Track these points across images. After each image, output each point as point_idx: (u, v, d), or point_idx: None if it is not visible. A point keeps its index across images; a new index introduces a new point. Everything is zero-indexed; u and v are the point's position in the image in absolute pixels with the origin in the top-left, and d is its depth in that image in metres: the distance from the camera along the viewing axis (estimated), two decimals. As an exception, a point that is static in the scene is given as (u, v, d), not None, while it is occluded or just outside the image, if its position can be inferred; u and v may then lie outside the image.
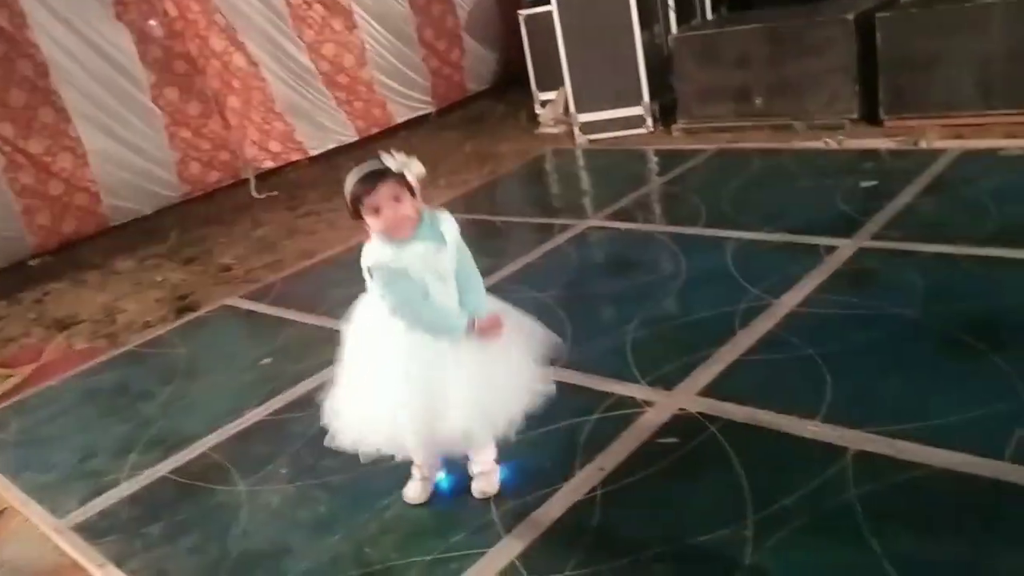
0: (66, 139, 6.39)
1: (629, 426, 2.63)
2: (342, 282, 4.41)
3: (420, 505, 2.47)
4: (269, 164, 7.41)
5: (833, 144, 5.11)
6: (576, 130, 6.53)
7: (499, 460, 2.46)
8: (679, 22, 6.56)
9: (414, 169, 2.14)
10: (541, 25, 6.92)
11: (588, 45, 6.26)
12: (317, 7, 7.51)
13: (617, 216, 4.66)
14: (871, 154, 4.81)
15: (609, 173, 5.78)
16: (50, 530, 2.81)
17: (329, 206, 6.28)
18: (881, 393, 2.55)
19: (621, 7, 6.04)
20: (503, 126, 7.72)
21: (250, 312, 4.45)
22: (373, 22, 7.88)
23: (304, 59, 7.52)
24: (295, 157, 7.55)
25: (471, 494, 2.44)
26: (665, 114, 6.37)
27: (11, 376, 4.24)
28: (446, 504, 2.46)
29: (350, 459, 2.35)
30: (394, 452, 2.35)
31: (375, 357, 2.22)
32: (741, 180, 4.82)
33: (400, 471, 2.47)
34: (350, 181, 2.13)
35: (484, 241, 4.68)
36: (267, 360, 3.76)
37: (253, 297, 4.63)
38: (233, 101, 7.16)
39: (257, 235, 5.99)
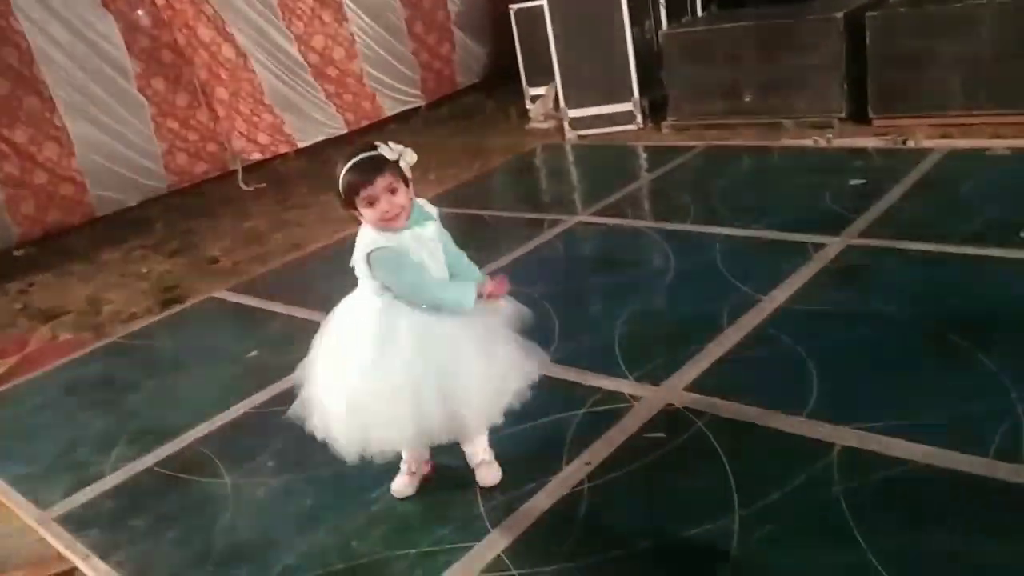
0: (51, 128, 6.33)
1: (616, 421, 2.63)
2: (330, 275, 4.38)
3: (407, 499, 2.47)
4: (257, 156, 7.37)
5: (822, 142, 5.13)
6: (566, 125, 6.53)
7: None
8: (669, 19, 6.57)
9: (408, 158, 2.12)
10: (532, 20, 6.92)
11: (578, 40, 6.26)
12: (307, -1, 7.49)
13: (606, 212, 4.67)
14: (859, 152, 4.84)
15: (598, 169, 5.79)
16: (34, 522, 2.79)
17: (317, 199, 6.26)
18: (867, 389, 2.57)
19: (612, 3, 6.04)
20: (493, 121, 7.71)
21: (237, 304, 4.43)
22: (363, 15, 7.86)
23: (293, 51, 7.48)
24: (283, 149, 7.52)
25: (457, 488, 2.43)
26: (655, 110, 6.38)
27: (-5, 367, 4.21)
28: (433, 498, 2.46)
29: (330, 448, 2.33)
30: (400, 447, 2.32)
31: (373, 352, 2.14)
32: (730, 177, 4.83)
33: (388, 465, 2.46)
34: (343, 171, 2.10)
35: (473, 236, 4.67)
36: (254, 353, 3.74)
37: (240, 289, 4.61)
38: (221, 92, 7.12)
39: (245, 227, 5.96)
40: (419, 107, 8.48)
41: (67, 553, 2.59)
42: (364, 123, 7.98)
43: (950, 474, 2.14)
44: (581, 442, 2.56)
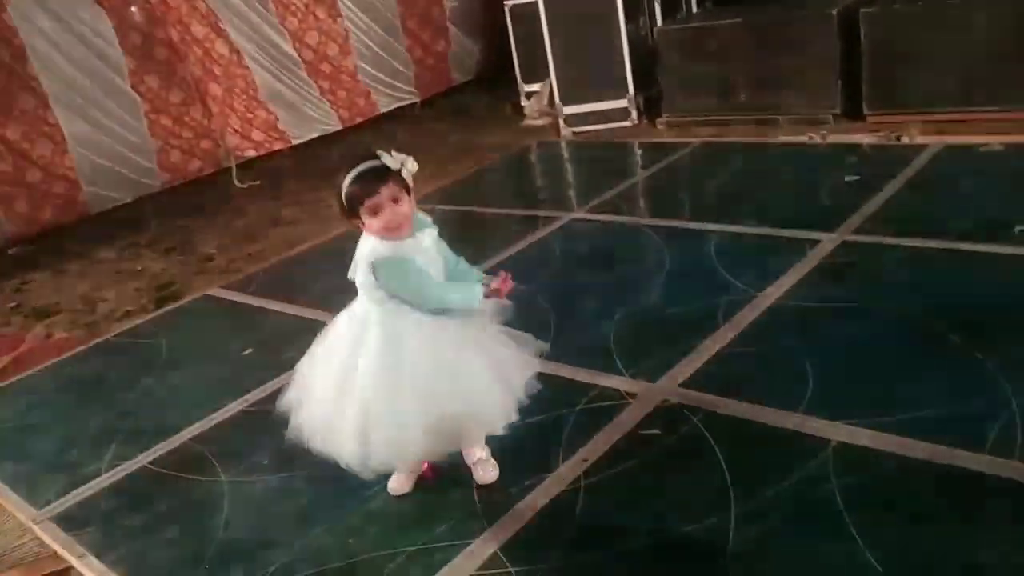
0: (45, 125, 6.31)
1: (612, 418, 2.63)
2: (325, 272, 4.41)
3: (404, 496, 2.47)
4: (251, 153, 7.36)
5: (817, 139, 5.13)
6: (561, 122, 6.53)
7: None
8: (664, 15, 6.57)
9: (410, 167, 2.12)
10: (527, 16, 6.90)
11: (573, 37, 6.26)
12: (301, -5, 7.47)
13: (601, 209, 4.66)
14: (854, 149, 4.84)
15: (593, 166, 5.78)
16: (29, 521, 2.78)
17: (312, 196, 6.25)
18: (862, 385, 2.57)
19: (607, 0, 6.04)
20: (488, 117, 7.70)
21: (232, 302, 4.42)
22: (357, 11, 7.84)
23: (287, 47, 7.46)
24: (278, 146, 7.50)
25: (453, 486, 2.43)
26: (650, 107, 6.38)
27: (-11, 365, 4.20)
28: (430, 495, 2.46)
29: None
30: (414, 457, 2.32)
31: (380, 365, 2.14)
32: (725, 174, 4.83)
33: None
34: (347, 181, 2.09)
35: (468, 233, 4.67)
36: (249, 350, 3.73)
37: (235, 287, 4.60)
38: (215, 89, 7.10)
39: (239, 225, 5.95)
40: (414, 104, 8.46)
41: (62, 552, 2.59)
42: (359, 120, 7.97)
43: (945, 470, 2.14)
44: (577, 439, 2.56)
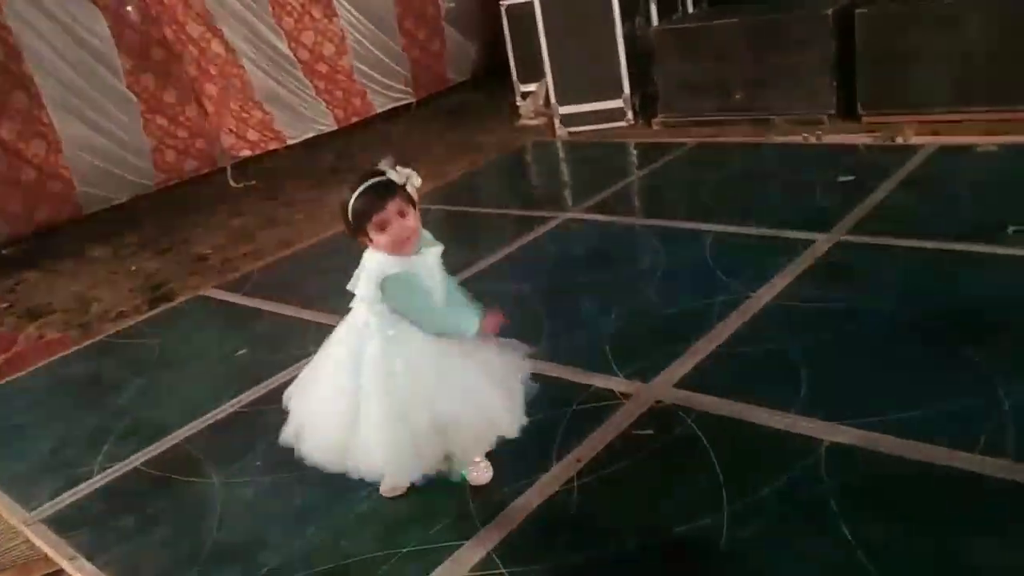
0: (39, 125, 6.29)
1: (606, 418, 2.63)
2: (319, 273, 4.41)
3: (397, 497, 2.46)
4: (247, 153, 7.34)
5: (811, 139, 5.14)
6: (557, 122, 6.52)
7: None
8: (660, 15, 6.56)
9: (415, 182, 2.13)
10: (523, 16, 6.89)
11: (569, 37, 6.25)
12: (297, -5, 7.45)
13: (597, 209, 4.66)
14: (849, 149, 4.85)
15: (589, 166, 5.78)
16: (20, 523, 2.77)
17: (307, 196, 6.25)
18: (855, 386, 2.57)
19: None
20: (484, 117, 7.69)
21: (226, 302, 4.41)
22: (353, 11, 7.82)
23: (283, 47, 7.45)
24: (273, 146, 7.48)
25: (446, 487, 2.42)
26: (645, 107, 6.38)
27: (-18, 366, 4.18)
28: (423, 496, 2.45)
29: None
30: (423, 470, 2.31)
31: (385, 378, 2.15)
32: (720, 174, 4.83)
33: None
34: (353, 197, 2.09)
35: (463, 233, 4.67)
36: (243, 351, 3.72)
37: (229, 287, 4.59)
38: (210, 88, 7.09)
39: (234, 225, 5.93)
40: (410, 104, 8.45)
41: (53, 554, 2.58)
42: (354, 120, 7.96)
43: (938, 470, 2.14)
44: (571, 440, 2.56)
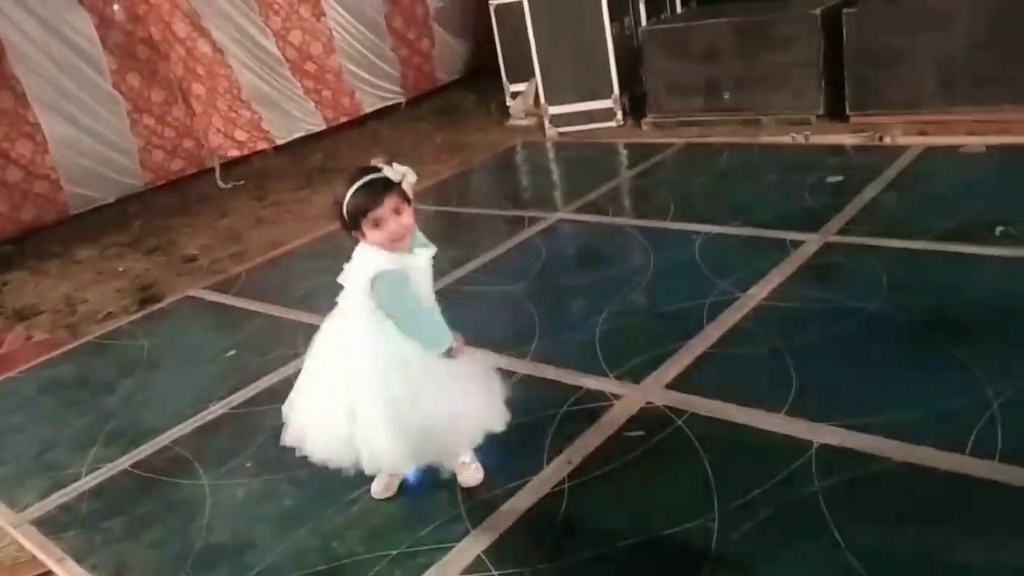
0: (25, 125, 6.24)
1: (597, 419, 2.63)
2: (308, 273, 4.39)
3: (387, 499, 2.46)
4: (235, 153, 7.30)
5: (800, 139, 5.16)
6: (546, 122, 6.53)
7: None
8: (649, 15, 6.57)
9: (410, 179, 2.13)
10: (512, 16, 6.89)
11: (559, 37, 6.26)
12: (284, -6, 7.42)
13: (586, 209, 4.67)
14: (837, 149, 4.87)
15: (579, 166, 5.78)
16: (7, 524, 2.75)
17: (296, 196, 6.22)
18: (845, 386, 2.58)
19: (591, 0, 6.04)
20: (473, 117, 7.69)
21: (214, 303, 4.38)
22: (341, 10, 7.79)
23: (271, 46, 7.41)
24: (261, 146, 7.45)
25: (437, 489, 2.43)
26: (635, 107, 6.39)
27: (-33, 368, 4.14)
28: (413, 498, 2.45)
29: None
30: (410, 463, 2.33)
31: (370, 372, 2.16)
32: (709, 174, 4.84)
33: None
34: (350, 192, 2.09)
35: (454, 233, 4.67)
36: (231, 352, 3.71)
37: (217, 288, 4.56)
38: (198, 88, 7.05)
39: (222, 225, 5.91)
40: (399, 104, 8.43)
41: (41, 556, 2.56)
42: (343, 119, 7.93)
43: (927, 471, 2.15)
44: (562, 441, 2.56)
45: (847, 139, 5.00)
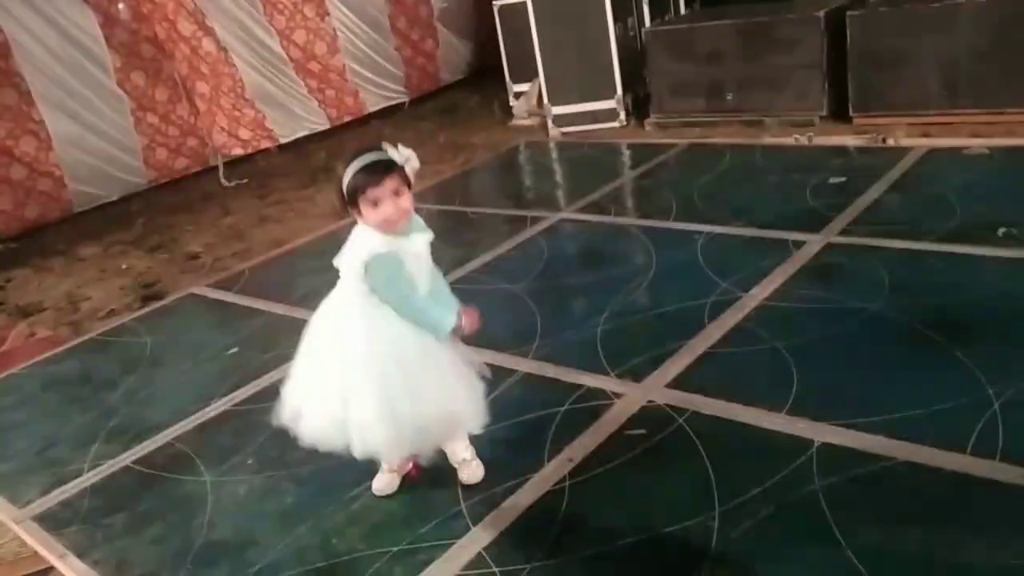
0: (29, 123, 6.26)
1: (598, 418, 2.63)
2: (311, 271, 4.39)
3: (388, 496, 2.46)
4: (239, 151, 7.32)
5: (803, 140, 5.15)
6: (549, 122, 6.53)
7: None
8: (653, 16, 6.58)
9: (413, 164, 2.12)
10: (516, 16, 6.90)
11: (562, 38, 6.26)
12: (289, -7, 7.44)
13: (589, 209, 4.67)
14: (840, 151, 4.87)
15: (582, 166, 5.79)
16: (9, 520, 2.76)
17: (299, 195, 6.23)
18: (846, 386, 2.58)
19: (595, 0, 6.03)
20: (477, 117, 7.69)
21: (217, 301, 4.39)
22: (345, 10, 7.81)
23: (275, 46, 7.43)
24: (265, 145, 7.46)
25: (438, 486, 2.43)
26: (638, 108, 6.39)
27: (-29, 364, 4.16)
28: (414, 495, 2.45)
29: (317, 450, 2.32)
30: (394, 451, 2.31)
31: (362, 355, 2.15)
32: (712, 175, 4.85)
33: (368, 463, 2.45)
34: (352, 170, 2.08)
35: (456, 232, 4.67)
36: (234, 350, 3.71)
37: (220, 286, 4.57)
38: (202, 87, 7.06)
39: (225, 223, 5.92)
40: (403, 103, 8.44)
41: (43, 552, 2.57)
42: (347, 119, 7.94)
43: (928, 470, 2.15)
44: (563, 439, 2.56)
45: (850, 140, 5.00)
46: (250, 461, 2.80)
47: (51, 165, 6.37)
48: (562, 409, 2.72)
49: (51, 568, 2.52)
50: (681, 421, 2.54)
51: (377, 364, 2.13)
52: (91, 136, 6.56)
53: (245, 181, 6.90)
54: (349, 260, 2.15)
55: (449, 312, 2.20)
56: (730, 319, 3.09)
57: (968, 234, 3.41)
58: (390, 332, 2.14)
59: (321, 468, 2.61)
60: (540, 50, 6.36)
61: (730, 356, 2.87)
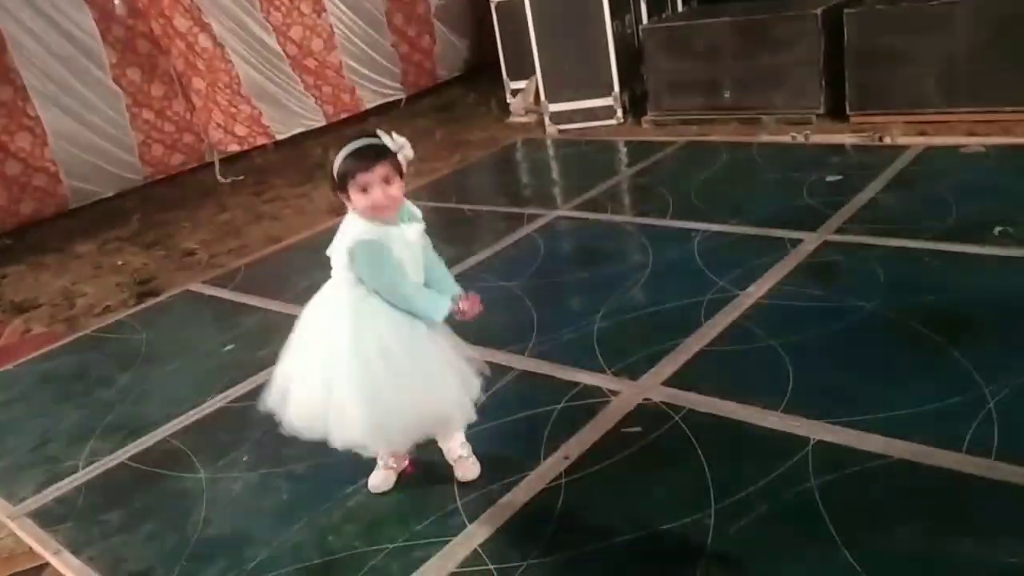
0: (25, 118, 6.24)
1: (594, 415, 2.64)
2: (307, 268, 4.38)
3: (384, 493, 2.46)
4: (235, 148, 7.29)
5: (800, 138, 5.16)
6: (546, 120, 6.53)
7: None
8: (650, 14, 6.57)
9: (407, 153, 2.11)
10: (513, 13, 6.89)
11: (559, 34, 6.26)
12: (285, -11, 7.41)
13: (586, 206, 4.67)
14: (837, 149, 4.87)
15: (578, 163, 5.78)
16: (4, 517, 2.75)
17: (295, 191, 6.22)
18: (842, 384, 2.59)
19: (593, -4, 6.05)
20: (473, 114, 7.69)
21: (213, 298, 4.39)
22: (342, 6, 7.79)
23: (272, 42, 7.41)
24: (261, 141, 7.44)
25: (434, 483, 2.43)
26: (635, 105, 6.39)
27: (-35, 360, 4.14)
28: (410, 493, 2.45)
29: (313, 447, 2.31)
30: (371, 446, 2.31)
31: (348, 348, 2.13)
32: (709, 173, 4.85)
33: (364, 459, 2.45)
34: (343, 154, 2.06)
35: (453, 229, 4.67)
36: (230, 346, 3.71)
37: (216, 282, 4.57)
38: (198, 83, 7.04)
39: (222, 220, 5.90)
40: (400, 100, 8.43)
41: (38, 548, 2.56)
42: (343, 115, 7.92)
43: (923, 468, 2.16)
44: (559, 436, 2.56)
45: (847, 139, 5.00)
46: (246, 458, 2.80)
47: (46, 161, 6.35)
48: (558, 406, 2.72)
49: (46, 564, 2.51)
50: (677, 419, 2.55)
51: (361, 353, 2.11)
52: (87, 132, 6.53)
53: (241, 178, 6.89)
54: (337, 248, 2.14)
55: (442, 298, 2.18)
56: (726, 317, 3.09)
57: (964, 232, 3.42)
58: (375, 321, 2.12)
59: (317, 465, 2.61)
60: (537, 47, 6.36)
61: (726, 354, 2.87)
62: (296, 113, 7.63)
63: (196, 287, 4.56)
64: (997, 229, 3.38)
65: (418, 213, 2.23)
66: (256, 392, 3.18)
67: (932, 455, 2.19)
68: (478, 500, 2.35)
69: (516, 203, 5.02)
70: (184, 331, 4.10)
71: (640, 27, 6.31)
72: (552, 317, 3.38)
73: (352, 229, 2.12)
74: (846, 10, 5.12)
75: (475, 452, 2.46)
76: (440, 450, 2.44)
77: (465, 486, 2.41)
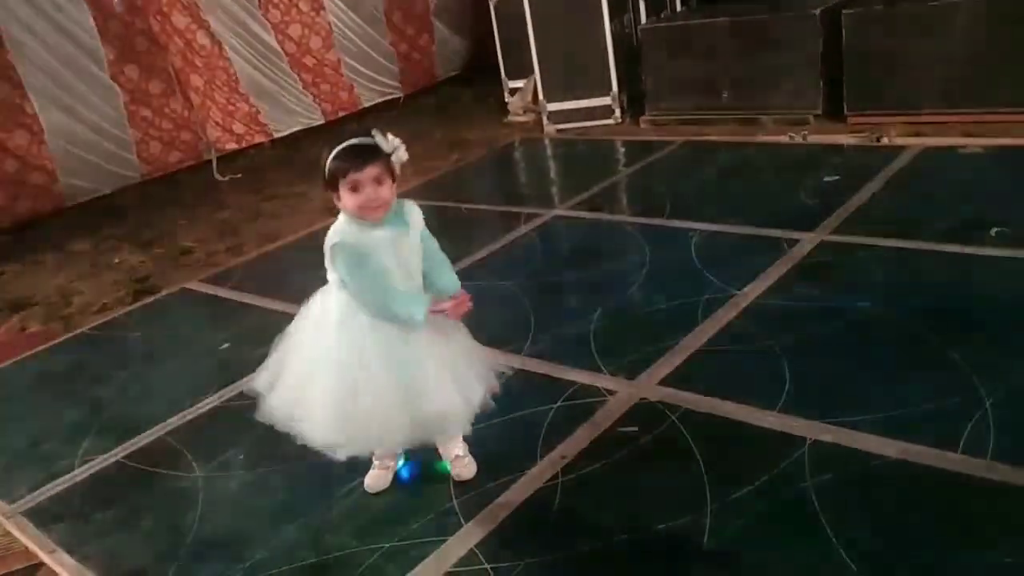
0: (22, 116, 6.22)
1: (591, 415, 2.63)
2: (305, 267, 4.35)
3: (380, 493, 2.46)
4: (233, 146, 7.29)
5: (797, 138, 5.16)
6: (544, 119, 6.52)
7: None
8: (648, 13, 6.57)
9: (401, 155, 2.09)
10: (511, 12, 6.88)
11: (558, 34, 6.25)
12: (284, -13, 7.41)
13: (583, 206, 4.67)
14: (834, 149, 4.87)
15: (576, 163, 5.78)
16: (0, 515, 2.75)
17: (293, 190, 6.21)
18: (839, 384, 2.59)
19: (591, -4, 6.04)
20: (472, 113, 7.68)
21: (210, 296, 4.38)
22: (341, 4, 7.78)
23: (270, 40, 7.40)
24: (259, 139, 7.44)
25: (430, 482, 2.43)
26: (633, 105, 6.38)
27: (-39, 358, 4.13)
28: (407, 492, 2.45)
29: (309, 447, 2.31)
30: (366, 449, 2.31)
31: (341, 353, 2.12)
32: (707, 172, 4.85)
33: (360, 459, 2.45)
34: (336, 151, 2.05)
35: (450, 228, 4.64)
36: (226, 345, 3.70)
37: (214, 281, 4.56)
38: (196, 80, 7.03)
39: (219, 218, 5.89)
40: (398, 98, 8.42)
41: (33, 547, 2.56)
42: (342, 114, 7.91)
43: (919, 469, 2.16)
44: (555, 436, 2.56)
45: (845, 139, 5.00)
46: (242, 457, 2.79)
47: (43, 158, 6.34)
48: (555, 406, 2.72)
49: (41, 564, 2.51)
50: (674, 419, 2.54)
51: (341, 360, 2.10)
52: (84, 130, 6.52)
53: (239, 176, 6.88)
54: (325, 248, 2.13)
55: (417, 303, 2.10)
56: (723, 317, 3.09)
57: (961, 233, 3.42)
58: (358, 322, 2.11)
59: (313, 464, 2.59)
60: (536, 46, 6.35)
61: (723, 354, 2.87)
62: (294, 111, 7.63)
63: (193, 285, 4.55)
64: (994, 230, 3.38)
65: (417, 216, 2.20)
66: (253, 391, 3.19)
67: (928, 455, 2.19)
68: (474, 500, 2.35)
69: (514, 202, 5.02)
70: (181, 329, 4.09)
71: (638, 27, 6.30)
72: (549, 317, 3.38)
73: (334, 229, 2.11)
74: (844, 11, 5.12)
75: (471, 451, 2.46)
76: (436, 449, 2.44)
77: (461, 485, 2.41)
